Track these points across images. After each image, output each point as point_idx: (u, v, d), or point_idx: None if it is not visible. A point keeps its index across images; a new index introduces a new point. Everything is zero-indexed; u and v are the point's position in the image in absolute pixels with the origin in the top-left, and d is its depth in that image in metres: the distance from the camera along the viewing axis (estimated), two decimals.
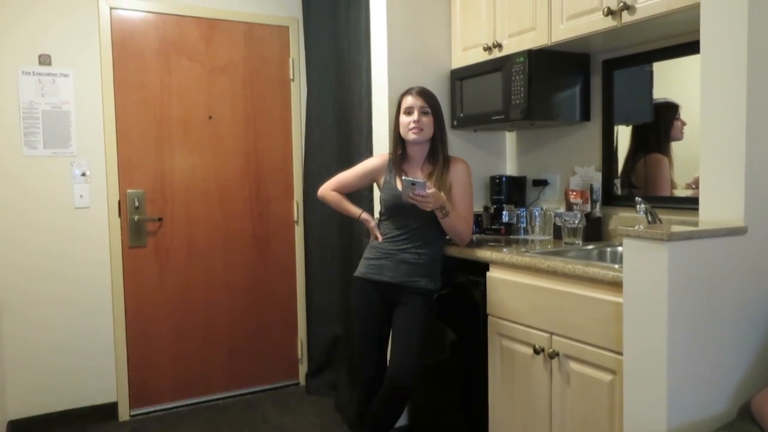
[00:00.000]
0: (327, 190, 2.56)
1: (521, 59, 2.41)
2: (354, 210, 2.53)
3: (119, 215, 3.23)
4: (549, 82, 2.46)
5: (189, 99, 3.38)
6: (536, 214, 2.67)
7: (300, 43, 3.61)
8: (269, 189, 3.61)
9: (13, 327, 3.03)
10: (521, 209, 2.79)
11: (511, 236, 2.71)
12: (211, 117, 3.43)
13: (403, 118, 2.34)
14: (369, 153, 2.87)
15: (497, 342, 2.23)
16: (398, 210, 2.34)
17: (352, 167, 2.57)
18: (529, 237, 2.67)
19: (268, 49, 3.57)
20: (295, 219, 3.68)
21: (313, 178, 3.46)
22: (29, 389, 3.07)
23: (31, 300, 3.06)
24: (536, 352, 2.03)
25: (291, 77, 3.62)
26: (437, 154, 2.36)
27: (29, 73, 3.03)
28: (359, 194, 2.75)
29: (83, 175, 3.15)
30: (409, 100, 2.34)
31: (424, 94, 2.34)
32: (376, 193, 2.76)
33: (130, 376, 3.28)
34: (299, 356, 3.72)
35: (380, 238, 2.40)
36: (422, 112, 2.31)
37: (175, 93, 3.34)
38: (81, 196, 3.15)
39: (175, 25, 3.33)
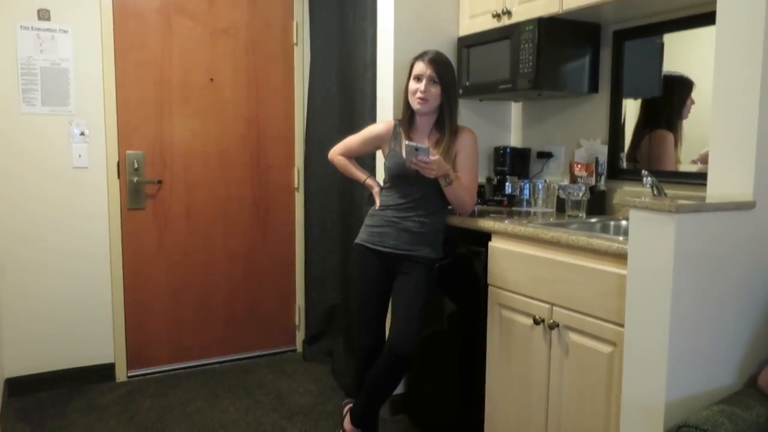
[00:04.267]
0: (335, 154, 2.56)
1: (530, 27, 2.36)
2: (359, 174, 2.52)
3: (118, 176, 3.20)
4: (558, 52, 2.41)
5: (190, 61, 3.32)
6: (540, 186, 2.65)
7: (304, 7, 3.55)
8: (270, 156, 3.57)
9: (13, 284, 3.02)
10: (525, 181, 2.77)
11: (513, 208, 2.70)
12: (212, 79, 3.38)
13: (412, 85, 2.30)
14: (373, 121, 2.83)
15: (497, 312, 2.23)
16: (402, 178, 2.31)
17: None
18: (532, 209, 2.65)
19: (272, 12, 3.50)
20: (296, 186, 3.65)
21: (315, 146, 3.43)
22: (26, 349, 3.08)
23: (28, 261, 3.05)
24: (536, 322, 2.03)
25: (294, 42, 3.56)
26: (445, 123, 2.33)
27: (28, 27, 2.97)
28: (362, 162, 2.72)
29: (82, 134, 3.11)
30: (419, 67, 2.28)
31: (436, 62, 2.27)
32: (379, 162, 2.73)
33: (127, 338, 3.29)
34: (296, 323, 3.73)
35: (378, 204, 2.39)
36: (431, 81, 2.26)
37: (176, 54, 3.29)
38: (79, 156, 3.11)
39: None
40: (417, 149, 2.09)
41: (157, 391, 3.16)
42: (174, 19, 3.26)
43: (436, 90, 2.27)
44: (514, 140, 3.03)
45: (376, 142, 2.48)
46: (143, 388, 3.20)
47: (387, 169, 2.38)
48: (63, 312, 3.14)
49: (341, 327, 3.41)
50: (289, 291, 3.71)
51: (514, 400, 2.16)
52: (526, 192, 2.73)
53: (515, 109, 3.03)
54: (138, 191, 3.26)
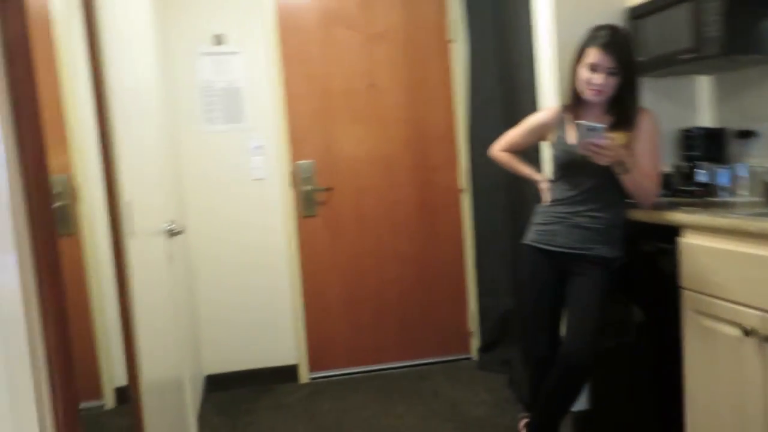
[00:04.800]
0: (496, 150, 2.43)
1: None
2: (525, 169, 2.36)
3: (292, 186, 3.35)
4: (754, 6, 2.00)
5: (350, 68, 3.38)
6: (742, 172, 2.24)
7: (459, 3, 3.43)
8: (433, 157, 3.50)
9: (206, 290, 3.31)
10: (721, 167, 2.36)
11: (709, 198, 2.31)
12: (372, 85, 3.40)
13: (584, 73, 2.03)
14: (535, 111, 2.62)
15: (695, 321, 1.90)
16: (571, 167, 2.09)
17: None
18: (732, 199, 2.24)
19: (426, 11, 3.44)
20: (462, 187, 3.54)
21: (479, 144, 3.28)
22: (221, 348, 3.35)
23: (218, 263, 3.32)
24: (746, 333, 1.69)
25: (451, 39, 3.46)
26: (620, 105, 2.05)
27: (206, 54, 3.23)
28: (527, 155, 2.53)
29: (258, 147, 3.31)
30: (595, 55, 1.99)
31: (614, 48, 1.96)
32: (546, 156, 2.52)
33: (309, 341, 3.43)
34: (470, 330, 3.61)
35: (547, 199, 2.18)
36: (609, 73, 1.99)
37: (337, 63, 3.37)
38: (257, 168, 3.31)
39: None
40: (590, 129, 1.86)
41: (336, 393, 3.25)
42: (333, 29, 3.35)
43: (613, 81, 2.00)
44: (704, 120, 2.61)
45: (541, 132, 2.28)
46: (323, 389, 3.31)
47: (554, 159, 2.17)
48: (250, 314, 3.36)
49: (517, 334, 3.22)
50: (462, 296, 3.60)
51: (725, 428, 1.82)
52: (724, 179, 2.32)
53: (703, 83, 2.61)
54: (310, 199, 3.39)
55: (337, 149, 3.40)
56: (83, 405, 1.51)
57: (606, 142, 1.87)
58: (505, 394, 3.09)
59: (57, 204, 1.49)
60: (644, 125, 2.05)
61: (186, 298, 2.88)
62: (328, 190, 3.39)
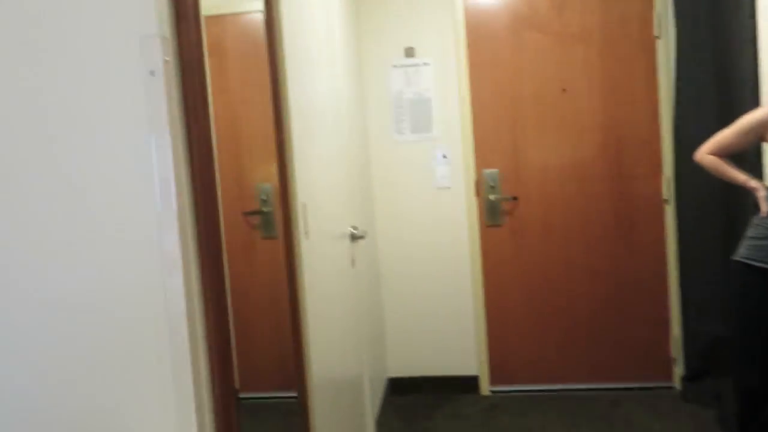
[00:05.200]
0: (703, 153, 2.18)
1: None
2: (738, 176, 2.08)
3: (476, 195, 3.32)
4: None
5: (541, 73, 3.25)
6: None
7: None
8: (632, 165, 3.21)
9: (390, 294, 3.42)
10: None
11: None
12: (565, 90, 3.23)
13: None
14: (755, 108, 2.26)
15: None
16: None
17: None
18: None
19: (628, 7, 3.17)
20: (665, 198, 3.19)
21: (686, 149, 2.91)
22: (404, 353, 3.43)
23: (402, 270, 3.41)
24: None
25: (656, 35, 3.14)
26: None
27: (398, 65, 3.34)
28: (741, 159, 2.20)
29: (444, 156, 3.33)
30: None
31: None
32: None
33: (490, 353, 3.36)
34: (673, 356, 3.22)
35: (764, 211, 1.86)
36: None
37: (527, 69, 3.26)
38: (442, 177, 3.34)
39: (525, 0, 3.24)
40: None
41: (517, 409, 3.13)
42: (524, 34, 3.25)
43: None
44: None
45: (759, 131, 1.96)
46: (504, 404, 3.21)
47: None
48: (432, 321, 3.40)
49: (729, 364, 2.79)
50: (662, 317, 3.24)
51: None
52: None
53: None
54: (495, 209, 3.32)
55: (524, 157, 3.29)
56: (276, 394, 1.64)
57: None
58: (714, 431, 2.71)
59: (264, 210, 1.65)
60: None
61: (370, 300, 3.00)
62: (513, 199, 3.29)
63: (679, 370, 3.20)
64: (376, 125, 3.38)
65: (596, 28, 3.20)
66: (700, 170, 2.26)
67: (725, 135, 2.08)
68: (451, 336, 3.39)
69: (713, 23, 2.79)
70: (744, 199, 2.40)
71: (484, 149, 3.31)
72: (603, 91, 3.21)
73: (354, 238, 2.53)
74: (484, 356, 3.36)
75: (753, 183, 2.02)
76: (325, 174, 2.08)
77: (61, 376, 1.02)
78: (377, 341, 3.17)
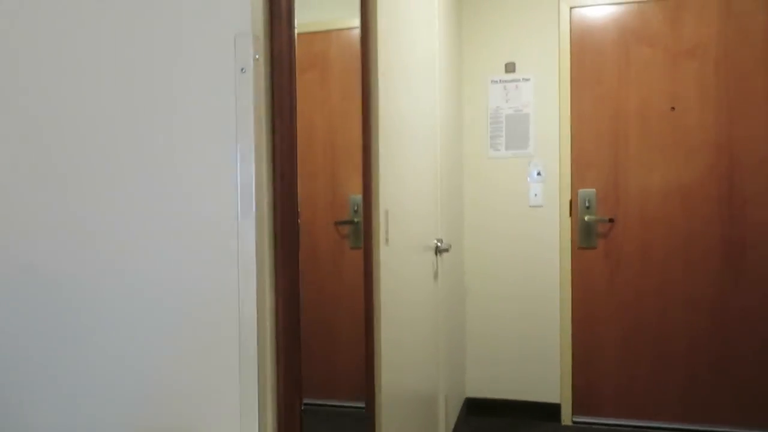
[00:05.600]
0: None
1: None
2: None
3: (570, 215, 3.19)
4: None
5: (648, 89, 3.08)
6: None
7: None
8: (746, 187, 2.96)
9: (474, 311, 3.35)
10: None
11: None
12: (673, 108, 3.04)
13: None
14: None
15: None
16: None
17: None
18: None
19: (751, 19, 2.94)
20: None
21: None
22: (484, 374, 3.34)
23: (488, 288, 3.32)
24: None
25: None
26: None
27: (497, 81, 3.29)
28: None
29: (538, 174, 3.23)
30: None
31: None
32: None
33: (574, 381, 3.20)
34: None
35: None
36: None
37: (633, 85, 3.10)
38: (535, 195, 3.24)
39: (635, 13, 3.09)
40: None
41: None
42: (632, 48, 3.10)
43: None
44: None
45: None
46: None
47: None
48: (514, 343, 3.29)
49: None
50: None
51: None
52: None
53: None
54: (589, 230, 3.17)
55: (624, 177, 3.12)
56: (343, 403, 1.64)
57: None
58: None
59: (354, 220, 1.68)
60: None
61: (452, 316, 2.95)
62: (610, 221, 3.13)
63: None
64: (471, 139, 3.34)
65: (713, 41, 2.99)
66: None
67: None
68: (534, 359, 3.26)
69: None
70: None
71: (581, 168, 3.18)
72: (716, 108, 3.00)
73: (439, 251, 2.50)
74: (567, 384, 3.20)
75: None
76: (413, 184, 2.07)
77: (137, 367, 1.07)
78: (456, 358, 3.10)
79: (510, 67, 3.28)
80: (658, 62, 3.07)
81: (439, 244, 2.50)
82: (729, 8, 2.98)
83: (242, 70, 1.00)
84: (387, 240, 1.68)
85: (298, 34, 1.23)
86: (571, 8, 3.17)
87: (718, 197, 3.00)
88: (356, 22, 1.60)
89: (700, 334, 3.04)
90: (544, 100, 3.22)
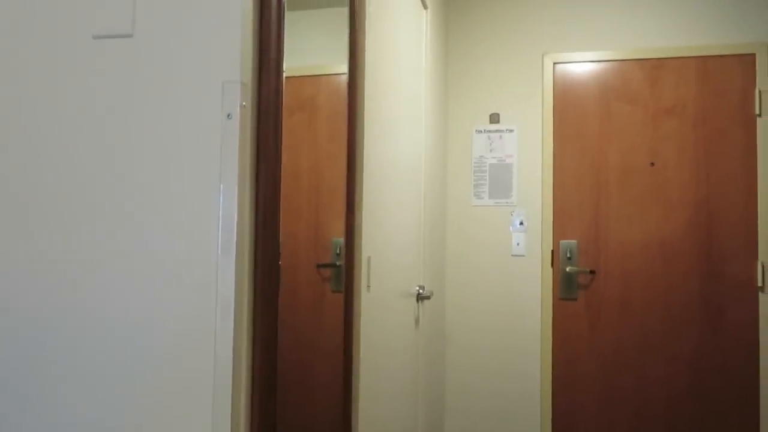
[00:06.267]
0: None
1: None
2: None
3: (552, 265, 3.21)
4: None
5: (628, 145, 3.16)
6: None
7: None
8: (723, 245, 3.01)
9: (455, 362, 3.32)
10: None
11: None
12: (653, 164, 3.12)
13: None
14: None
15: None
16: None
17: None
18: None
19: (727, 81, 3.05)
20: (760, 285, 2.96)
21: None
22: (463, 422, 3.28)
23: (469, 338, 3.30)
24: None
25: (757, 113, 2.99)
26: None
27: (481, 131, 3.36)
28: None
29: (521, 224, 3.27)
30: None
31: None
32: None
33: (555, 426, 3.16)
34: None
35: None
36: None
37: (614, 140, 3.18)
38: (518, 244, 3.26)
39: (616, 71, 3.20)
40: None
41: None
42: (613, 105, 3.19)
43: None
44: None
45: None
46: None
47: None
48: (497, 395, 3.25)
49: None
50: (751, 413, 2.94)
51: None
52: None
53: None
54: (570, 281, 3.19)
55: (605, 230, 3.16)
56: None
57: None
58: None
59: (336, 263, 1.68)
60: None
61: (432, 364, 2.92)
62: (591, 272, 3.16)
63: None
64: (455, 187, 3.38)
65: (691, 101, 3.09)
66: None
67: None
68: (514, 410, 3.22)
69: None
70: None
71: (563, 219, 3.22)
72: (695, 166, 3.07)
73: (420, 297, 2.49)
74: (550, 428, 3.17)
75: None
76: (396, 231, 2.09)
77: (107, 407, 1.05)
78: (436, 406, 3.06)
79: (494, 118, 3.35)
80: (638, 119, 3.16)
81: (420, 290, 2.50)
82: (706, 70, 3.09)
83: (229, 115, 1.02)
84: (368, 286, 1.68)
85: (288, 77, 1.26)
86: (554, 63, 3.27)
87: (697, 253, 3.04)
88: (345, 67, 1.64)
89: (680, 390, 3.03)
90: (528, 151, 3.29)
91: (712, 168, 3.06)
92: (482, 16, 3.39)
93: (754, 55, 3.03)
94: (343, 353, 1.52)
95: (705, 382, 3.01)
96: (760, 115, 2.99)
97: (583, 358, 3.16)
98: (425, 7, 2.69)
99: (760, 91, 3.00)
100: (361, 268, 1.62)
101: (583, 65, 3.24)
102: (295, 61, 1.40)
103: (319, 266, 1.64)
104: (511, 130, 3.32)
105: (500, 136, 3.33)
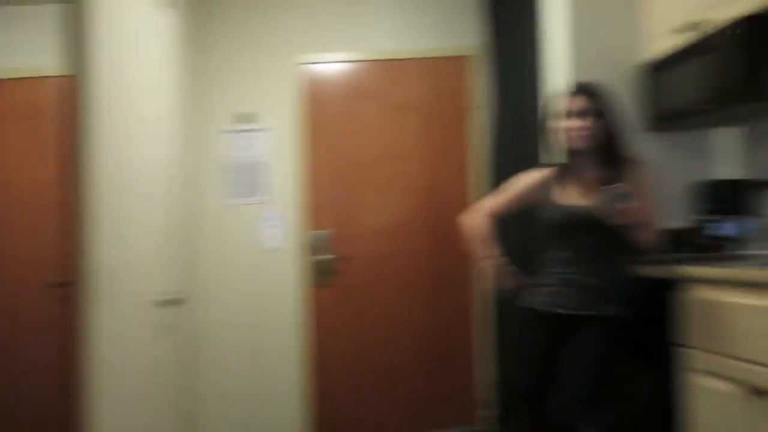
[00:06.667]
0: (484, 215, 2.24)
1: (735, 30, 1.90)
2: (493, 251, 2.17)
3: (306, 255, 3.37)
4: None
5: (374, 139, 3.46)
6: (756, 224, 2.10)
7: (481, 71, 3.48)
8: (446, 223, 3.41)
9: (209, 358, 3.33)
10: (736, 220, 2.21)
11: (720, 252, 2.17)
12: (392, 155, 3.46)
13: (562, 123, 2.04)
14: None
15: (697, 381, 1.76)
16: (568, 229, 2.01)
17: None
18: (746, 252, 2.10)
19: (448, 81, 3.52)
20: None
21: None
22: (221, 419, 3.33)
23: (228, 334, 3.36)
24: (758, 393, 1.52)
25: (470, 105, 3.50)
26: (612, 158, 2.00)
27: (234, 131, 3.39)
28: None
29: (275, 218, 3.37)
30: (565, 102, 2.04)
31: (582, 90, 2.03)
32: None
33: (315, 413, 3.36)
34: (480, 401, 3.40)
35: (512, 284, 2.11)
36: (584, 115, 1.97)
37: (360, 135, 3.45)
38: (273, 239, 3.37)
39: (361, 71, 3.48)
40: (621, 195, 1.82)
41: None
42: (359, 102, 3.45)
43: (591, 123, 1.97)
44: (719, 173, 2.48)
45: (531, 194, 2.18)
46: None
47: (548, 221, 2.09)
48: (256, 384, 3.35)
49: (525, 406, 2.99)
50: (470, 364, 3.44)
51: None
52: (738, 232, 2.17)
53: (726, 136, 2.50)
54: (326, 269, 3.37)
55: (357, 218, 3.43)
56: None
57: (635, 206, 1.82)
58: None
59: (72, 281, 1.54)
60: (643, 178, 1.99)
61: (181, 367, 2.83)
62: (346, 259, 3.39)
63: (487, 414, 3.31)
64: (209, 188, 3.37)
65: (421, 98, 3.48)
66: (508, 228, 2.40)
67: (507, 197, 2.22)
68: (274, 398, 3.34)
69: (520, 97, 3.13)
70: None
71: (318, 211, 3.40)
72: (424, 156, 3.47)
73: (173, 302, 2.42)
74: (308, 416, 3.34)
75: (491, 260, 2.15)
76: (144, 238, 2.01)
77: None
78: (186, 408, 2.98)
79: (248, 118, 3.39)
80: (380, 115, 3.46)
81: (173, 295, 2.43)
82: (431, 70, 3.49)
83: None
84: (107, 298, 1.60)
85: (1, 80, 1.16)
86: (300, 64, 3.43)
87: (428, 234, 3.43)
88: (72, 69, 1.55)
89: (415, 354, 3.41)
90: (282, 149, 3.40)
91: (438, 156, 3.48)
92: (236, 17, 3.43)
93: (465, 57, 3.52)
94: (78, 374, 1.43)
95: (438, 345, 3.42)
96: (473, 109, 3.49)
97: (341, 338, 3.38)
98: (174, 7, 2.61)
99: (472, 88, 3.49)
100: (96, 280, 1.54)
101: (331, 66, 3.47)
102: (9, 61, 1.29)
103: (60, 284, 1.56)
104: (265, 130, 3.40)
105: (252, 135, 3.40)
